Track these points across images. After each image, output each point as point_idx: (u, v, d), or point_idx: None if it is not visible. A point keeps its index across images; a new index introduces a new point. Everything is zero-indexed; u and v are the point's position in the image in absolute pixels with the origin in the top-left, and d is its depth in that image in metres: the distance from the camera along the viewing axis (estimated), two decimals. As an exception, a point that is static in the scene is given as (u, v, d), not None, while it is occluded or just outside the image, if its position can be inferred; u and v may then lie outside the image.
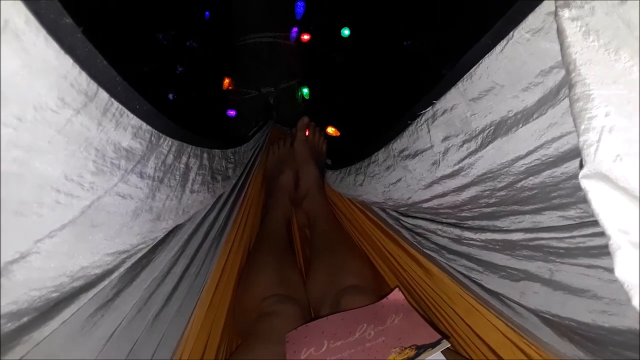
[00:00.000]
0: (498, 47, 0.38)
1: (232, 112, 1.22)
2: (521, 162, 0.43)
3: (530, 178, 0.43)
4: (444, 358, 0.47)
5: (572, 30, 0.28)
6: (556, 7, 0.29)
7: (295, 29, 1.23)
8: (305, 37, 1.24)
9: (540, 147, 0.40)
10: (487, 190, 0.50)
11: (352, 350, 0.52)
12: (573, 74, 0.28)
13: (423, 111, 0.54)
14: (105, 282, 0.46)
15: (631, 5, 0.26)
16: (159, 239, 0.49)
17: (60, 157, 0.30)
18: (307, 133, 1.14)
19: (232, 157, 0.79)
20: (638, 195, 0.23)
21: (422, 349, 0.49)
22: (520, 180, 0.45)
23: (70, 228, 0.32)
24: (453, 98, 0.48)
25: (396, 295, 0.62)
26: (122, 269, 0.48)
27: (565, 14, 0.29)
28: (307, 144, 1.10)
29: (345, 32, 1.12)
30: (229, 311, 0.77)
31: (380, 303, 0.62)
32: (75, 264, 0.33)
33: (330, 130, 1.23)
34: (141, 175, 0.40)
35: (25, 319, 0.33)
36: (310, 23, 1.21)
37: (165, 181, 0.45)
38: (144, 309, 0.57)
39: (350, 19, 1.11)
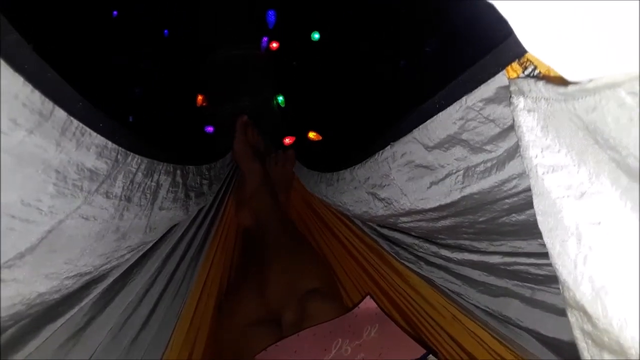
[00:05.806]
0: (450, 109, 0.37)
1: (209, 129, 1.21)
2: (504, 200, 0.40)
3: (513, 215, 0.42)
4: None
5: (529, 125, 0.24)
6: (510, 94, 0.25)
7: (265, 39, 1.24)
8: (274, 45, 1.24)
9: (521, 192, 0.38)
10: (467, 222, 0.49)
11: None
12: (535, 185, 0.24)
13: (381, 151, 0.53)
14: (75, 310, 0.44)
15: (588, 104, 0.19)
16: (125, 257, 0.47)
17: (15, 181, 0.28)
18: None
19: (207, 173, 0.78)
20: None
21: None
22: (502, 217, 0.43)
23: (29, 256, 0.30)
24: (410, 143, 0.47)
25: (368, 303, 0.59)
26: (92, 295, 0.46)
27: (520, 103, 0.24)
28: (248, 143, 1.10)
29: (315, 36, 1.12)
30: (210, 332, 0.74)
31: (353, 313, 0.59)
32: (32, 291, 0.31)
33: (312, 135, 1.23)
34: (107, 195, 0.38)
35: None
36: (278, 31, 1.21)
37: (134, 200, 0.44)
38: (119, 334, 0.54)
39: (320, 24, 1.12)
